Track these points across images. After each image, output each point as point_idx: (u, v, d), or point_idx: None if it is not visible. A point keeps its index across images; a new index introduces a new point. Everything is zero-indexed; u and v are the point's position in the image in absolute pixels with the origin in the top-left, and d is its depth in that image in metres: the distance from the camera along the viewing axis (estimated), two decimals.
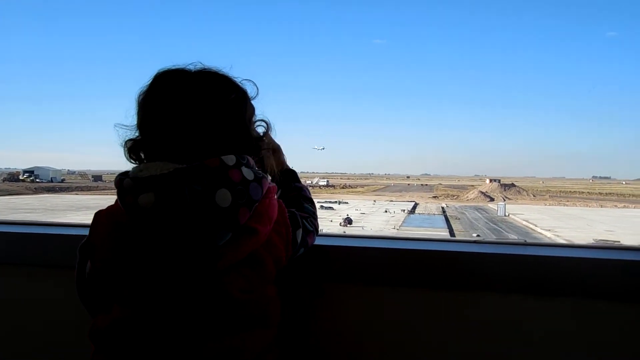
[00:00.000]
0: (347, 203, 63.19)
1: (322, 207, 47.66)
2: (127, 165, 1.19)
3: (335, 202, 61.64)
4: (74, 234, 1.78)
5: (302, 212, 1.40)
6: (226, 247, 1.11)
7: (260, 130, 1.34)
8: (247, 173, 1.13)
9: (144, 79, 1.21)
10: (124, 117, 1.24)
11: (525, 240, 1.66)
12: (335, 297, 1.58)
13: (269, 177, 1.30)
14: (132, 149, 1.22)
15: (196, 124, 1.16)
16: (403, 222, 41.36)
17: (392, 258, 1.54)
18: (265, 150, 1.32)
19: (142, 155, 1.22)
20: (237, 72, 1.28)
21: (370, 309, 1.57)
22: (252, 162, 1.19)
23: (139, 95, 1.22)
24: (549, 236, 36.16)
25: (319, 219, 1.47)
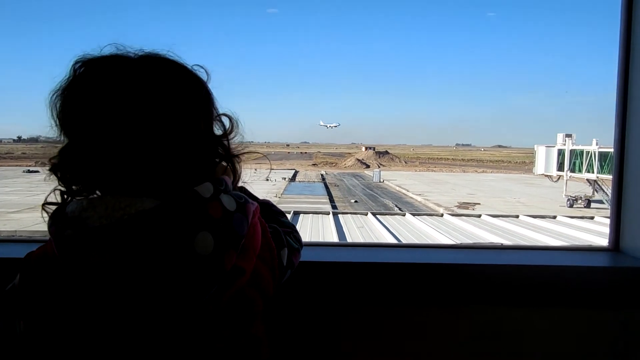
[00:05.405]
0: None
1: None
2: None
3: None
4: None
5: (283, 227, 1.14)
6: (209, 297, 0.87)
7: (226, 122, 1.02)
8: (228, 202, 0.88)
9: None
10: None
11: (502, 244, 1.67)
12: (324, 320, 1.43)
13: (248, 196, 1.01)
14: (64, 179, 0.90)
15: (159, 138, 0.86)
16: (284, 190, 41.51)
17: (383, 273, 1.41)
18: (237, 158, 1.04)
19: (76, 184, 0.90)
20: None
21: (362, 331, 1.44)
22: (229, 183, 0.95)
23: (58, 97, 0.87)
24: (420, 200, 38.64)
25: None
